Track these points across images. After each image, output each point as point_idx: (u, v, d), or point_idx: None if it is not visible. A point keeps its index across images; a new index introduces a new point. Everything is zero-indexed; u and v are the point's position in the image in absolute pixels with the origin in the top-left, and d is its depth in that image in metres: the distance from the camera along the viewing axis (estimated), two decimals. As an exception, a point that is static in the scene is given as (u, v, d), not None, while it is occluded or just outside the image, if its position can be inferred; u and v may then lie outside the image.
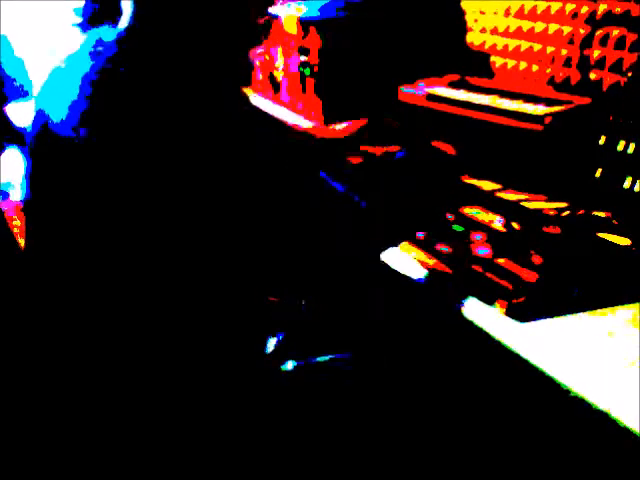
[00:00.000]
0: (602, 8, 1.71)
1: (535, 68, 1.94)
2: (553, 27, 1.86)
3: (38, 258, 1.17)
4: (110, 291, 1.06)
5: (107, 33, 1.12)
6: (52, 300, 1.14)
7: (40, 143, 1.14)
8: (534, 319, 1.15)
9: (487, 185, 1.74)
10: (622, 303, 1.19)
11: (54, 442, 1.14)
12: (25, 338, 1.20)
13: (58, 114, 1.10)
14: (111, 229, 1.03)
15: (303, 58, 2.23)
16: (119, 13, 1.13)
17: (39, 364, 1.17)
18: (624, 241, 1.38)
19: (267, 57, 2.50)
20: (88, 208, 1.05)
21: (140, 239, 1.03)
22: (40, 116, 1.14)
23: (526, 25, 1.95)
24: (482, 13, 2.13)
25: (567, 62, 1.83)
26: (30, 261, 1.19)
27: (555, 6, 1.85)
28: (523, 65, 1.98)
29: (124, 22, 1.12)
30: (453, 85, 1.96)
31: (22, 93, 3.35)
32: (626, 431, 0.90)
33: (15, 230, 1.32)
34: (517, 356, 1.09)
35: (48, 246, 1.13)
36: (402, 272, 1.36)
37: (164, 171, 1.00)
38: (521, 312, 1.17)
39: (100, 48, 1.10)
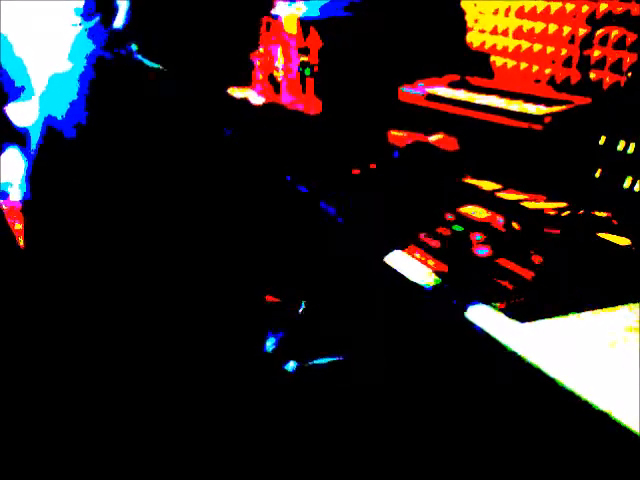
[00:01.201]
0: (602, 8, 1.71)
1: (535, 68, 1.94)
2: (553, 27, 1.86)
3: (37, 258, 1.17)
4: (108, 291, 1.06)
5: (101, 31, 1.12)
6: (51, 298, 1.14)
7: (41, 144, 1.13)
8: (534, 319, 1.15)
9: (487, 185, 1.74)
10: (622, 303, 1.19)
11: (53, 441, 1.14)
12: (25, 336, 1.20)
13: (58, 114, 1.09)
14: (109, 229, 1.03)
15: (303, 58, 2.23)
16: (114, 11, 1.12)
17: (38, 362, 1.17)
18: (624, 241, 1.38)
19: (267, 57, 2.50)
20: (88, 208, 1.05)
21: (138, 239, 1.03)
22: (41, 116, 1.14)
23: (526, 25, 1.95)
24: (482, 13, 2.13)
25: (567, 62, 1.83)
26: (29, 261, 1.19)
27: (555, 6, 1.85)
28: (523, 65, 1.98)
29: (120, 20, 1.11)
30: (453, 85, 1.96)
31: (22, 93, 3.34)
32: (626, 431, 0.90)
33: (15, 229, 1.32)
34: (517, 356, 1.09)
35: (47, 246, 1.13)
36: (401, 272, 1.36)
37: (162, 172, 1.00)
38: (521, 312, 1.17)
39: (93, 47, 1.09)
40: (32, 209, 1.17)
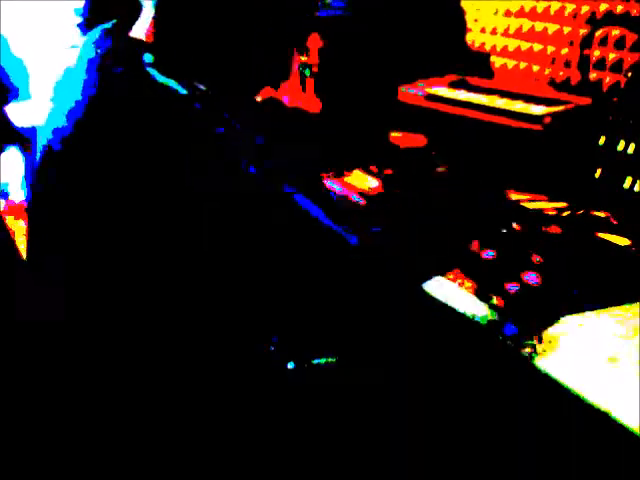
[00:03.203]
0: (602, 8, 1.71)
1: (535, 68, 1.93)
2: (553, 27, 1.86)
3: (39, 256, 1.17)
4: (113, 290, 1.06)
5: (119, 35, 1.09)
6: (52, 298, 1.14)
7: (46, 146, 1.13)
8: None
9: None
10: (622, 303, 1.19)
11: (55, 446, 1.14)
12: (25, 335, 1.20)
13: (61, 119, 1.09)
14: (110, 229, 1.03)
15: (303, 58, 2.23)
16: (134, 13, 1.08)
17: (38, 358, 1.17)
18: (624, 241, 1.38)
19: (267, 57, 2.49)
20: (88, 209, 1.05)
21: (139, 239, 1.03)
22: (50, 117, 1.13)
23: (526, 25, 1.95)
24: (482, 12, 2.13)
25: (567, 62, 1.83)
26: (31, 260, 1.19)
27: (555, 6, 1.85)
28: (523, 65, 1.97)
29: (145, 21, 1.07)
30: (453, 85, 1.96)
31: (22, 93, 3.35)
32: (626, 431, 0.90)
33: (12, 230, 1.32)
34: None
35: (51, 247, 1.13)
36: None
37: (159, 173, 1.00)
38: (521, 312, 1.16)
39: (108, 52, 1.07)
40: (35, 209, 1.17)
